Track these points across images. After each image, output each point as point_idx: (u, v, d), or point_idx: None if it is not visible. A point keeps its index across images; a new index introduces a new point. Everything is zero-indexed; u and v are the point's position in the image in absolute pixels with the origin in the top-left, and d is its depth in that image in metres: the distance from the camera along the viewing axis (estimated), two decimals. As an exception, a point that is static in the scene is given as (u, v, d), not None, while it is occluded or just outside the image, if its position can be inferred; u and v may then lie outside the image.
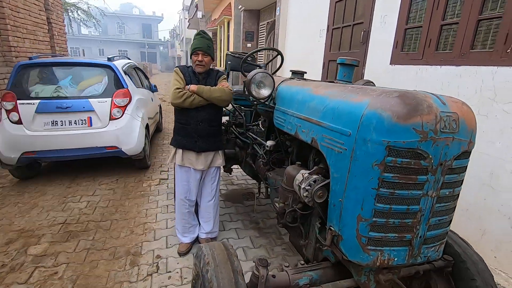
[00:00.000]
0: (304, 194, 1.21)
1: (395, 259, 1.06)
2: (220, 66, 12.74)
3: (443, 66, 2.65)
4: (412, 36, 3.04)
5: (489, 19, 2.30)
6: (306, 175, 1.21)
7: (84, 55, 9.35)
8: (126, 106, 3.65)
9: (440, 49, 2.72)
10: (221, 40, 13.28)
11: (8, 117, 3.28)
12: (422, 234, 1.06)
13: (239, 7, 9.04)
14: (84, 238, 2.54)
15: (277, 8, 6.12)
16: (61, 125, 3.38)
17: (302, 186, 1.21)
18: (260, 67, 2.80)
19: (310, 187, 1.20)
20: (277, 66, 2.69)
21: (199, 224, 2.49)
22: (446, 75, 2.62)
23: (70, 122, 3.41)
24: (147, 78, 5.67)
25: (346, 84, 1.50)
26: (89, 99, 3.48)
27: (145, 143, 3.89)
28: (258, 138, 2.21)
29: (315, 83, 1.51)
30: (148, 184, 3.71)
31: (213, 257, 1.19)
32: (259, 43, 9.02)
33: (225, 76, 2.24)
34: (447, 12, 2.64)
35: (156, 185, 3.70)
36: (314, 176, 1.21)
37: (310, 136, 1.28)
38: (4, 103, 3.27)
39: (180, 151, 2.19)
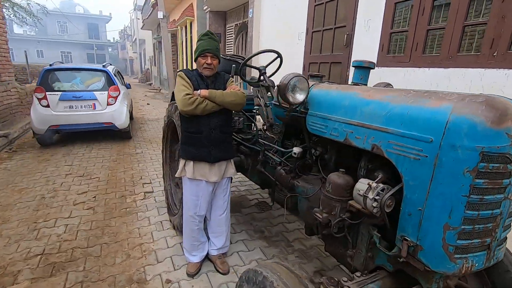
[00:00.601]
0: (374, 205, 1.14)
1: (476, 265, 1.05)
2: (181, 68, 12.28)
3: (431, 68, 2.83)
4: (397, 40, 3.20)
5: (474, 25, 2.50)
6: (374, 184, 1.15)
7: (26, 58, 8.50)
8: (117, 97, 5.52)
9: (427, 52, 2.90)
10: (182, 42, 12.81)
11: (40, 103, 5.00)
12: (498, 237, 1.06)
13: (204, 8, 8.79)
14: (73, 269, 2.18)
15: (250, 10, 6.06)
16: (75, 108, 5.23)
17: (371, 196, 1.15)
18: (260, 69, 2.71)
19: (379, 196, 1.14)
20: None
21: (208, 239, 2.30)
22: (435, 76, 2.79)
23: (81, 106, 5.25)
24: (123, 78, 7.50)
25: (395, 88, 1.48)
26: (94, 92, 5.36)
27: (129, 121, 5.85)
28: (273, 144, 2.11)
29: (357, 87, 1.47)
30: (132, 199, 3.36)
31: (284, 284, 1.06)
32: (227, 46, 8.86)
33: (233, 79, 2.10)
34: (432, 18, 2.82)
35: (142, 199, 3.37)
36: (381, 185, 1.15)
37: (370, 142, 1.22)
38: (36, 93, 5.02)
39: (190, 163, 2.00)
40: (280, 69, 2.88)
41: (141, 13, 23.38)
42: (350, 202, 1.38)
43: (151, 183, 3.84)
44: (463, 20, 2.55)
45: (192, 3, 10.57)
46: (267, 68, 2.16)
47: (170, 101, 3.02)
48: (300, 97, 1.52)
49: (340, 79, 3.96)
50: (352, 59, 3.78)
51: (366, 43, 3.53)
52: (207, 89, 1.92)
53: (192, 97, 1.82)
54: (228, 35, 8.68)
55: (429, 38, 2.87)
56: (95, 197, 3.39)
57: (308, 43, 4.58)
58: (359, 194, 1.21)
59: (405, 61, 3.07)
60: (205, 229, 2.30)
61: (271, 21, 5.64)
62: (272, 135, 2.39)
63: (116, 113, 5.44)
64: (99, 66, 5.83)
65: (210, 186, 2.06)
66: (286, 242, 2.65)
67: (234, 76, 2.58)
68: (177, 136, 2.99)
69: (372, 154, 1.28)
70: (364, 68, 1.92)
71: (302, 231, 2.85)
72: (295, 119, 1.73)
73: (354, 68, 1.97)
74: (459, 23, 2.57)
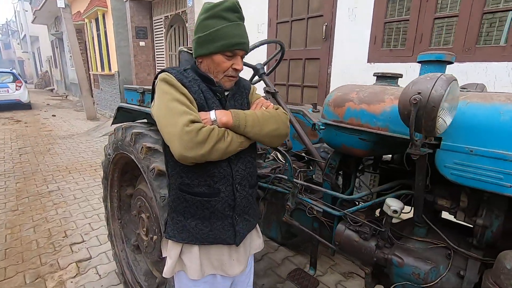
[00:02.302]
0: None
1: None
2: (96, 70, 10.22)
3: (442, 63, 2.45)
4: (394, 30, 2.76)
5: (496, 12, 2.18)
6: None
7: None
8: (21, 86, 10.89)
9: (435, 44, 2.51)
10: (92, 39, 10.64)
11: None
12: None
13: (122, -4, 7.24)
14: None
15: (189, -2, 5.02)
16: None
17: None
18: (258, 69, 1.89)
19: None
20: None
21: None
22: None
23: (1, 92, 10.59)
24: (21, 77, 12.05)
25: None
26: (7, 83, 10.70)
27: (29, 98, 11.38)
28: (319, 187, 1.33)
29: None
30: (57, 282, 2.10)
31: None
32: (155, 41, 7.51)
33: (256, 87, 1.23)
34: (440, 4, 2.44)
35: (74, 277, 2.15)
36: None
37: None
38: None
39: (194, 249, 1.05)
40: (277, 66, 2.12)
41: (30, 3, 19.11)
42: None
43: (84, 241, 2.58)
44: (482, 7, 2.20)
45: (103, -9, 8.71)
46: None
47: (114, 121, 1.93)
48: (448, 120, 0.79)
49: (320, 78, 3.39)
50: (335, 54, 3.25)
51: (352, 35, 3.01)
52: (223, 108, 1.02)
53: (203, 127, 0.89)
54: (157, 30, 7.35)
55: (437, 28, 2.49)
56: (-16, 290, 2.02)
57: (272, 36, 3.88)
58: None
59: (407, 55, 2.64)
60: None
61: (218, 11, 4.74)
62: (296, 166, 1.62)
63: (21, 94, 10.68)
64: (8, 70, 11.43)
65: (228, 280, 1.16)
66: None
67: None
68: (131, 176, 1.93)
69: None
70: (439, 63, 1.31)
71: (322, 280, 2.16)
72: (380, 150, 1.00)
73: (421, 63, 1.35)
74: (476, 9, 2.22)
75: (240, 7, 0.99)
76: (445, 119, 0.76)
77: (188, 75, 1.01)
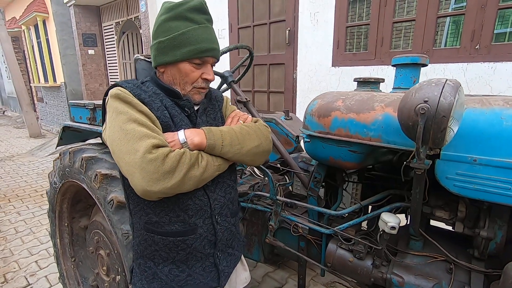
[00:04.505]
0: None
1: None
2: (38, 82, 9.25)
3: (403, 65, 2.52)
4: (356, 35, 2.79)
5: (449, 16, 2.29)
6: None
7: None
8: None
9: (395, 47, 2.58)
10: (33, 47, 9.64)
11: None
12: None
13: (65, 1, 6.62)
14: None
15: (142, 3, 4.72)
16: None
17: None
18: (226, 77, 1.74)
19: None
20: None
21: None
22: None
23: None
24: None
25: None
26: None
27: None
28: (310, 205, 1.21)
29: None
30: None
31: None
32: (106, 49, 6.97)
33: (229, 98, 1.08)
34: (398, 9, 2.51)
35: (18, 332, 1.78)
36: None
37: None
38: None
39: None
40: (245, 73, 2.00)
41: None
42: None
43: (30, 285, 2.17)
44: (436, 11, 2.30)
45: (42, -5, 7.93)
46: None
47: (59, 143, 1.64)
48: (455, 129, 0.71)
49: (286, 83, 3.33)
50: (299, 59, 3.22)
51: (315, 39, 3.00)
52: (194, 126, 0.85)
53: (171, 152, 0.72)
54: (107, 37, 6.84)
55: (396, 32, 2.56)
56: None
57: (234, 42, 3.76)
58: None
59: (369, 58, 2.68)
60: None
61: (174, 16, 4.51)
62: (275, 180, 1.49)
63: None
64: None
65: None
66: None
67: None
68: (84, 205, 1.66)
69: None
70: (414, 66, 1.30)
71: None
72: (371, 161, 0.91)
73: (395, 67, 1.34)
74: (431, 13, 2.32)
75: (207, 8, 0.85)
76: (453, 129, 0.69)
77: (147, 89, 0.83)
